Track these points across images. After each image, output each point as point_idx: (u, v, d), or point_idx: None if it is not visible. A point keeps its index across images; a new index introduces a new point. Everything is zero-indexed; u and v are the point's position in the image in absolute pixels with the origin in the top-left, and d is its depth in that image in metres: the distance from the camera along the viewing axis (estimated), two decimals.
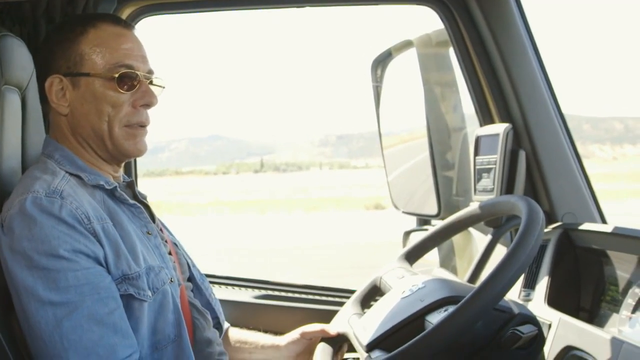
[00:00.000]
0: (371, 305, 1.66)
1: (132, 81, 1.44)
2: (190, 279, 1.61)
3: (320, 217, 24.16)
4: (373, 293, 1.75)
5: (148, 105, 1.48)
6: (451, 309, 1.31)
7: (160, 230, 1.55)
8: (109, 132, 1.44)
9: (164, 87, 1.56)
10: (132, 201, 1.48)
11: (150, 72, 1.50)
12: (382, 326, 1.45)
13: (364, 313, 1.65)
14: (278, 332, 2.08)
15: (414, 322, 1.41)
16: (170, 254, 1.52)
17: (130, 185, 1.55)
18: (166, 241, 1.54)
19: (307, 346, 1.66)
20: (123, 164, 1.55)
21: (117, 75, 1.42)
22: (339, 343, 1.64)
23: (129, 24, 1.53)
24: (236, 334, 1.75)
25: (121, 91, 1.43)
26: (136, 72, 1.45)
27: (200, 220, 23.15)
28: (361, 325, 1.54)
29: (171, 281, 1.43)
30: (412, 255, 1.77)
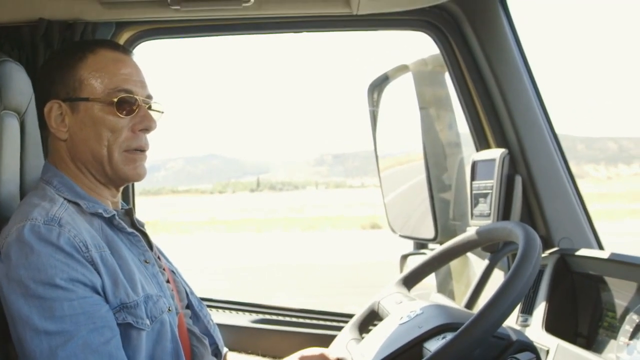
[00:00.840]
0: (369, 330, 1.66)
1: (131, 106, 1.44)
2: (189, 306, 1.60)
3: (316, 235, 24.10)
4: (371, 318, 1.74)
5: (147, 129, 1.48)
6: (449, 336, 1.31)
7: (158, 258, 1.55)
8: (108, 157, 1.44)
9: (162, 112, 1.57)
10: (130, 229, 1.47)
11: (149, 97, 1.50)
12: (380, 353, 1.44)
13: (362, 338, 1.65)
14: (276, 357, 2.08)
15: (412, 349, 1.41)
16: (168, 282, 1.51)
17: (129, 213, 1.54)
18: (164, 269, 1.53)
19: None
20: (121, 189, 1.55)
21: (116, 100, 1.42)
22: None
23: (128, 49, 1.54)
24: (235, 359, 1.74)
25: (120, 116, 1.43)
26: (135, 96, 1.45)
27: (197, 239, 23.04)
28: (359, 352, 1.54)
29: (169, 310, 1.42)
30: (410, 280, 1.78)
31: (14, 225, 1.32)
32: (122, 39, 2.10)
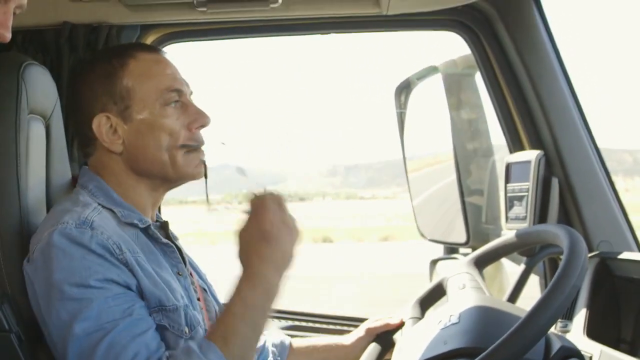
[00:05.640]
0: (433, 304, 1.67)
1: (183, 105, 1.41)
2: None
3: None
4: (437, 295, 1.71)
5: (203, 126, 1.43)
6: None
7: (190, 274, 1.49)
8: (170, 162, 1.38)
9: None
10: (164, 240, 1.42)
11: (192, 93, 1.47)
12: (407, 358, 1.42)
13: (420, 318, 1.64)
14: None
15: None
16: (198, 299, 1.45)
17: (164, 227, 1.49)
18: (196, 287, 1.48)
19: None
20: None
21: (169, 102, 1.38)
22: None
23: (161, 50, 1.50)
24: (303, 342, 1.75)
25: (176, 117, 1.39)
26: (186, 95, 1.42)
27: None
28: (399, 347, 1.53)
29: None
30: (482, 261, 1.68)
31: (46, 230, 1.28)
32: (147, 42, 2.08)
